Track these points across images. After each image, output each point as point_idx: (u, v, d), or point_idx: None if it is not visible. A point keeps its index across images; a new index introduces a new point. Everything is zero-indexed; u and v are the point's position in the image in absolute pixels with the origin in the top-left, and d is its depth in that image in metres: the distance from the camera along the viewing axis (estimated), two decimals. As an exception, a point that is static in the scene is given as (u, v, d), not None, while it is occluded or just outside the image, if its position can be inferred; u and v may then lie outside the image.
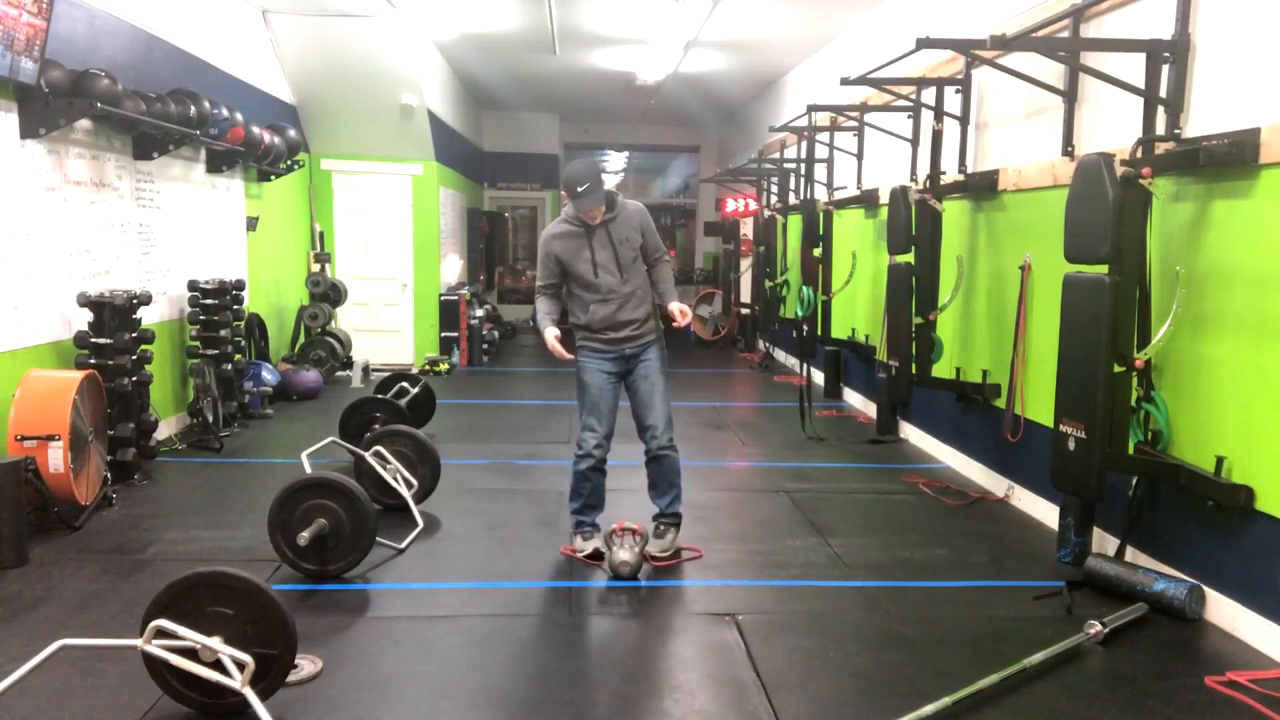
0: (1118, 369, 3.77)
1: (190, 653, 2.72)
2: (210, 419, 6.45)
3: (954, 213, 6.07)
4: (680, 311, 4.31)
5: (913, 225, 5.94)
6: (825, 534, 4.80)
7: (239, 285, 7.04)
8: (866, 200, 7.93)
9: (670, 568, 4.29)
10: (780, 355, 11.67)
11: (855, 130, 8.26)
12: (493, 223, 14.44)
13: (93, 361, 5.19)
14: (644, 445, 4.39)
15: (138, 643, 2.74)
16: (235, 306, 6.99)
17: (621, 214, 4.30)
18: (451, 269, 11.25)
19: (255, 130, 7.31)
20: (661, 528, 4.42)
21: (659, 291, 4.46)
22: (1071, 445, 3.84)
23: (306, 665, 3.18)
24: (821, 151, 8.97)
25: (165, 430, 6.38)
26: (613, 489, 4.55)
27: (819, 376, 9.24)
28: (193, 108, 6.17)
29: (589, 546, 4.34)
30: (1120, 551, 4.17)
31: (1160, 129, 4.01)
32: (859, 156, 8.26)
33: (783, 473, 6.07)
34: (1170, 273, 3.93)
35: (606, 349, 4.32)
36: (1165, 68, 4.00)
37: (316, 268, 9.59)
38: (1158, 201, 3.94)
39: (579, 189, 4.11)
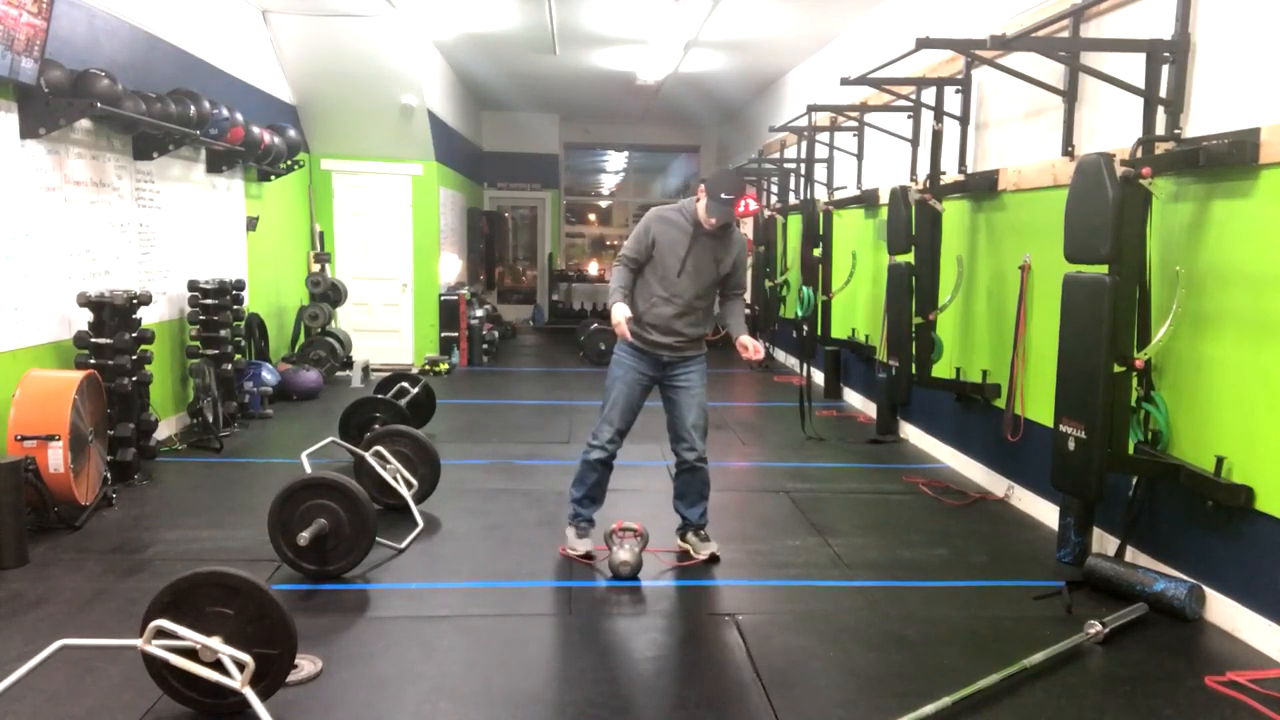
0: (1118, 369, 3.77)
1: (190, 653, 2.72)
2: (210, 419, 6.45)
3: (954, 213, 6.07)
4: (755, 348, 4.23)
5: (913, 225, 5.94)
6: (825, 534, 4.80)
7: (239, 285, 7.04)
8: (866, 200, 7.93)
9: (670, 568, 4.29)
10: (780, 355, 11.67)
11: (855, 130, 8.26)
12: (493, 223, 14.44)
13: (93, 361, 5.18)
14: (676, 456, 4.36)
15: (138, 643, 2.74)
16: (235, 306, 6.99)
17: (730, 237, 4.30)
18: (448, 269, 11.25)
19: (255, 130, 7.31)
20: (704, 534, 4.41)
21: (729, 323, 4.47)
22: (1071, 445, 3.84)
23: (306, 665, 3.18)
24: (821, 151, 8.97)
25: (165, 430, 6.38)
26: (614, 489, 4.54)
27: (819, 376, 9.24)
28: (193, 108, 6.17)
29: (583, 546, 4.34)
30: (1120, 551, 4.17)
31: (1160, 129, 4.01)
32: (859, 156, 8.26)
33: (783, 473, 6.07)
34: (1170, 273, 3.93)
35: (645, 349, 4.28)
36: (1165, 68, 4.00)
37: (316, 268, 9.59)
38: (1158, 201, 3.94)
39: (723, 195, 4.07)
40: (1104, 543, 4.42)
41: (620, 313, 4.13)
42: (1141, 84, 4.05)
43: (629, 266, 4.31)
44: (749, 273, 11.99)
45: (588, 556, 4.31)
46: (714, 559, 4.34)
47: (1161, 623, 3.73)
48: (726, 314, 4.48)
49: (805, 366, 8.68)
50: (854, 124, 8.09)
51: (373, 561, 4.16)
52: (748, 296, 12.63)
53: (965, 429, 6.10)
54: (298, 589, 3.89)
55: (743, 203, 13.08)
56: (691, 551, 4.38)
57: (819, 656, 3.44)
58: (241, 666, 2.67)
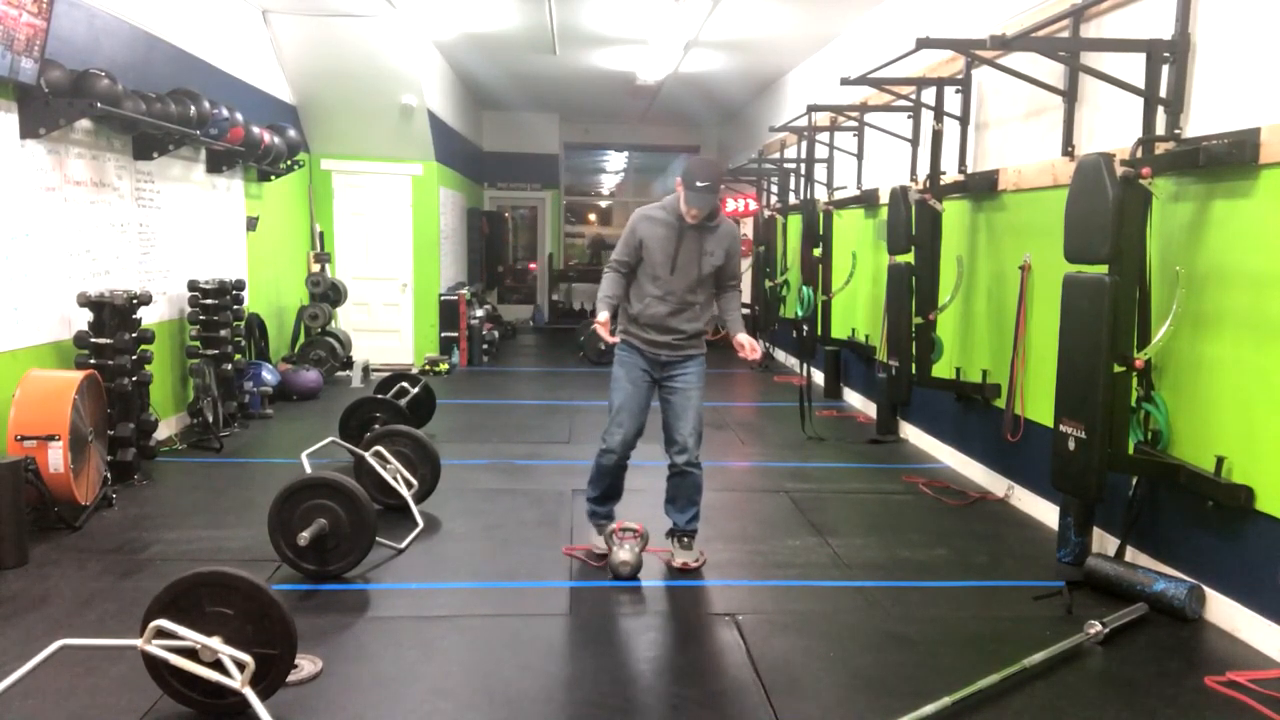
0: (1118, 369, 3.77)
1: (190, 653, 2.72)
2: (210, 419, 6.44)
3: (954, 213, 6.07)
4: (751, 347, 4.20)
5: (913, 225, 5.94)
6: (825, 534, 4.80)
7: (239, 285, 7.03)
8: (866, 200, 7.93)
9: (671, 568, 4.29)
10: (780, 355, 11.67)
11: (855, 130, 8.26)
12: (493, 223, 14.43)
13: (93, 361, 5.18)
14: (669, 459, 4.29)
15: (138, 643, 2.74)
16: (235, 306, 6.99)
17: (720, 228, 4.23)
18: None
19: (255, 130, 7.31)
20: (687, 540, 4.34)
21: (727, 319, 4.42)
22: (1071, 445, 3.84)
23: (306, 665, 3.18)
24: (821, 151, 8.97)
25: (165, 430, 6.38)
26: (613, 489, 4.54)
27: (819, 376, 9.24)
28: (193, 108, 6.17)
29: (603, 546, 4.28)
30: (1120, 551, 4.17)
31: (1160, 129, 4.01)
32: (859, 156, 8.26)
33: (783, 473, 6.07)
34: (1170, 273, 3.93)
35: (643, 348, 4.25)
36: (1165, 68, 4.00)
37: (316, 268, 9.59)
38: (1158, 201, 3.94)
39: (698, 183, 4.02)
40: (1104, 543, 4.42)
41: (602, 317, 4.17)
42: (1141, 84, 4.05)
43: (620, 271, 4.28)
44: (748, 272, 12.02)
45: (599, 558, 4.28)
46: (688, 568, 4.25)
47: (1161, 623, 3.73)
48: (724, 309, 4.42)
49: (805, 366, 8.68)
50: (854, 124, 8.09)
51: (373, 561, 4.16)
52: (746, 297, 12.71)
53: (965, 429, 6.10)
54: (298, 589, 3.88)
55: (734, 200, 13.16)
56: (673, 557, 4.32)
57: (819, 656, 3.44)
58: (241, 666, 2.67)
